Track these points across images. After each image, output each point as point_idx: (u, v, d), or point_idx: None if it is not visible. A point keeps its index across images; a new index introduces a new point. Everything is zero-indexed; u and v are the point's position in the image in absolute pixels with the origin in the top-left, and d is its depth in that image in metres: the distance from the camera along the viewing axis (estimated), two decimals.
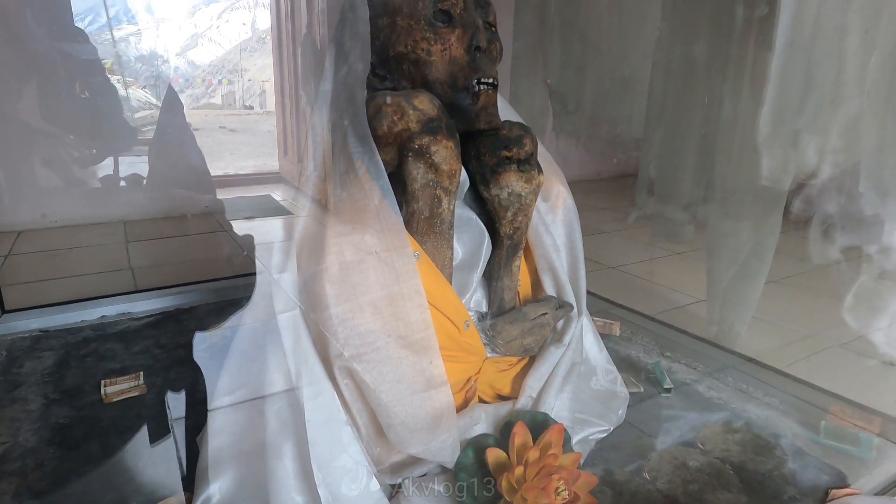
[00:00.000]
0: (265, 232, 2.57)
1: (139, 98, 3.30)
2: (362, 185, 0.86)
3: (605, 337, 1.59)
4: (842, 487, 0.97)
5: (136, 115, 3.16)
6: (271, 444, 0.88)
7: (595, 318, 1.64)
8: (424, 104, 0.84)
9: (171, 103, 2.72)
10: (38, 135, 2.45)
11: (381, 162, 0.85)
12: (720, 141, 1.49)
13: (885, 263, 1.08)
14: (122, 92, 2.86)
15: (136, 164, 2.73)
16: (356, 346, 0.85)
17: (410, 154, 0.84)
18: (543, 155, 1.08)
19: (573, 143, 2.04)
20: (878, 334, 1.16)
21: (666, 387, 1.32)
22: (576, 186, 1.15)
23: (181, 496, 0.98)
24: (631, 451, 1.09)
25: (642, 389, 1.32)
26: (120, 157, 2.72)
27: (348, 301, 0.85)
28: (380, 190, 0.85)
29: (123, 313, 1.70)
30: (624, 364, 1.45)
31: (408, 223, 0.89)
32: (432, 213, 0.88)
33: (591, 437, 1.08)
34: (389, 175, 0.86)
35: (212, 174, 2.88)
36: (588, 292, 1.17)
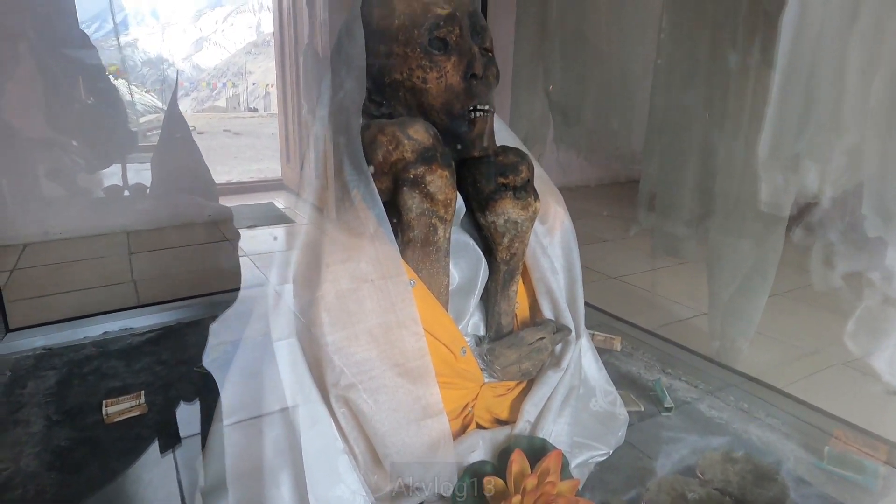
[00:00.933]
0: (266, 241, 2.58)
1: (145, 102, 3.31)
2: (357, 214, 0.86)
3: (605, 352, 1.58)
4: None
5: (142, 120, 3.17)
6: (268, 473, 0.88)
7: (596, 333, 1.63)
8: (419, 134, 0.84)
9: (174, 109, 2.72)
10: (43, 143, 2.46)
11: (376, 190, 0.85)
12: (721, 157, 1.48)
13: (888, 289, 1.06)
14: (127, 97, 2.86)
15: (140, 172, 2.73)
16: (352, 374, 0.85)
17: (406, 184, 0.84)
18: (541, 176, 1.07)
19: (574, 155, 2.03)
20: (881, 362, 1.14)
21: (666, 406, 1.31)
22: (577, 193, 1.15)
23: None
24: (630, 474, 1.08)
25: (642, 408, 1.31)
26: (126, 164, 2.72)
27: (344, 329, 0.85)
28: (375, 218, 0.85)
29: (125, 329, 1.71)
30: (624, 381, 1.44)
31: (403, 251, 0.88)
32: (428, 241, 0.87)
33: (590, 461, 1.07)
34: (385, 203, 0.86)
35: (216, 181, 2.89)
36: (589, 305, 1.16)
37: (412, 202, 0.85)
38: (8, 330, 1.66)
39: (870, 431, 1.20)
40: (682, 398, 1.38)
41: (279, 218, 2.95)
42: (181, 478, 1.09)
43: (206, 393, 1.33)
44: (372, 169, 0.85)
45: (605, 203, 2.85)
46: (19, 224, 2.46)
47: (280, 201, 3.16)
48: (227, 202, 2.82)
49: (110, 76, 2.65)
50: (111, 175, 2.70)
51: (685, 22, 1.53)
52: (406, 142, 0.83)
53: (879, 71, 1.18)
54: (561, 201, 1.11)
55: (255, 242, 2.48)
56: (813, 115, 1.19)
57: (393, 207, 0.88)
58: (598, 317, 1.82)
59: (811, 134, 1.18)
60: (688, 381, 1.46)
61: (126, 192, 2.70)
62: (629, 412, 1.24)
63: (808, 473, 1.11)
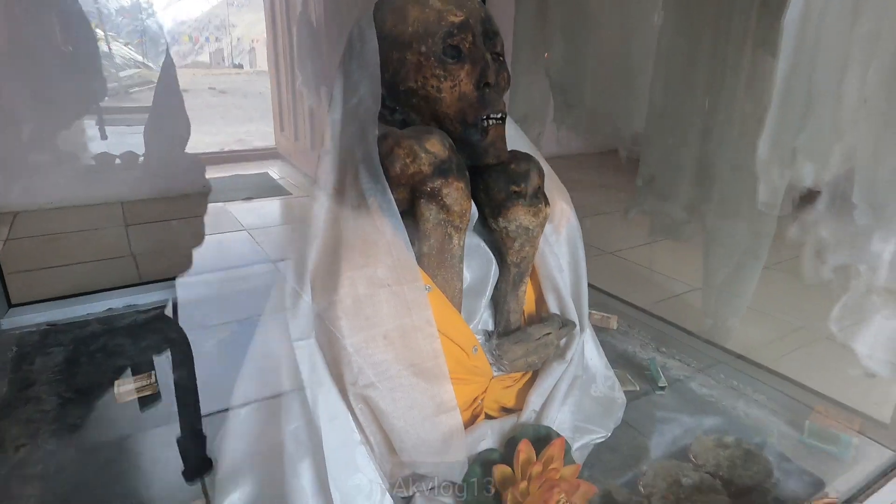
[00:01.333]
0: (263, 214, 2.57)
1: (123, 55, 3.18)
2: (374, 221, 0.87)
3: (602, 331, 1.64)
4: (822, 496, 1.03)
5: (122, 74, 3.05)
6: (289, 464, 0.92)
7: (593, 312, 1.68)
8: (436, 147, 0.85)
9: (168, 71, 2.61)
10: (26, 106, 2.35)
11: (392, 199, 0.87)
12: (719, 141, 1.50)
13: (872, 277, 1.11)
14: (104, 48, 2.73)
15: (126, 136, 2.66)
16: (370, 374, 0.89)
17: (423, 196, 0.86)
18: (549, 174, 1.09)
19: (574, 134, 2.04)
20: (861, 347, 1.21)
21: (661, 385, 1.38)
22: (577, 161, 1.16)
23: (203, 502, 1.04)
24: (627, 453, 1.15)
25: (638, 388, 1.37)
26: (113, 126, 2.64)
27: (362, 332, 0.88)
28: (391, 226, 0.87)
29: (129, 305, 1.73)
30: (621, 360, 1.50)
31: (419, 258, 0.91)
32: (443, 249, 0.90)
33: (590, 443, 1.14)
34: (401, 212, 0.88)
35: (206, 147, 2.82)
36: (588, 284, 1.21)
37: (429, 213, 0.87)
38: (10, 305, 1.67)
39: (846, 405, 1.27)
40: (675, 376, 1.45)
41: (275, 189, 2.92)
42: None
43: (217, 367, 1.36)
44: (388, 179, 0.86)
45: (605, 172, 2.83)
46: (7, 192, 2.39)
47: (275, 171, 3.12)
48: (220, 171, 2.78)
49: (94, 26, 2.52)
50: (98, 140, 2.62)
51: (687, 6, 1.53)
52: (423, 155, 0.85)
53: (874, 62, 1.19)
54: (568, 199, 1.13)
55: (252, 216, 2.47)
56: (812, 108, 1.21)
57: (409, 216, 0.90)
58: (596, 296, 1.87)
59: (810, 128, 1.21)
60: (681, 359, 1.52)
61: (118, 161, 2.65)
62: (625, 392, 1.30)
63: (790, 449, 1.19)
